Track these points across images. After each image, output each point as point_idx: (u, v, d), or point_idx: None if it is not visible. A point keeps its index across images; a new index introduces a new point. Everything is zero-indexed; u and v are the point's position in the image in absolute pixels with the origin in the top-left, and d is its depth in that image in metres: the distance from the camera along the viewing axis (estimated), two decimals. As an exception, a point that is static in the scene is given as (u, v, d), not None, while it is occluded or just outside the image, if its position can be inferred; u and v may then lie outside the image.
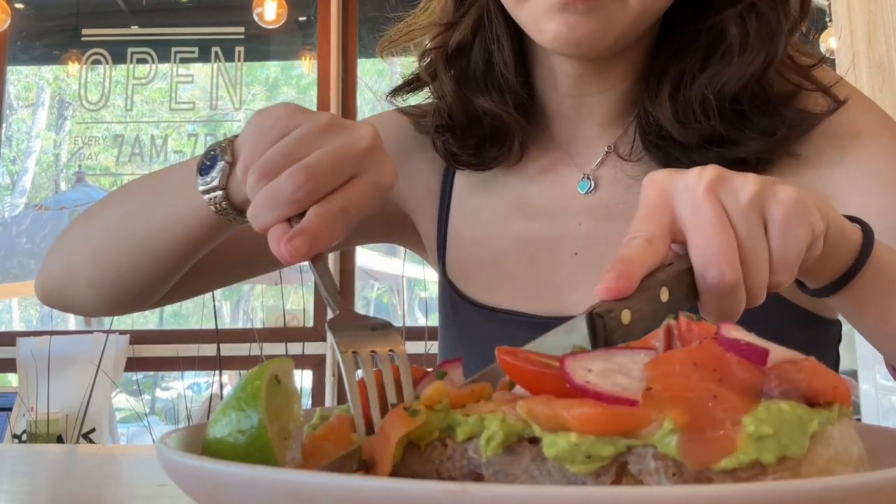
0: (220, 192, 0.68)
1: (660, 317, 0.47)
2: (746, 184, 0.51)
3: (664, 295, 0.48)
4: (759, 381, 0.40)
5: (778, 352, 0.42)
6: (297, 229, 0.56)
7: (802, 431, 0.37)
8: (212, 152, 0.68)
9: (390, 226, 1.00)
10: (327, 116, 0.61)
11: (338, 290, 0.56)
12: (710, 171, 0.51)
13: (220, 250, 0.83)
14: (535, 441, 0.41)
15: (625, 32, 0.77)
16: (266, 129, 0.60)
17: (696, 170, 0.52)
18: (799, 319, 0.82)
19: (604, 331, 0.46)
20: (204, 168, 0.68)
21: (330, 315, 0.55)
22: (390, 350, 0.51)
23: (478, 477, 0.42)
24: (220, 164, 0.67)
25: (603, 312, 0.46)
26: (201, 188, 0.68)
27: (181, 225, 0.74)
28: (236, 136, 0.68)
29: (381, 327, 0.53)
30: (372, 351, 0.51)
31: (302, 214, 0.57)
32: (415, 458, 0.44)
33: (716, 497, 0.32)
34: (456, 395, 0.44)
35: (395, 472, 0.43)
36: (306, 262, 0.57)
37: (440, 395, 0.44)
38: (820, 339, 0.87)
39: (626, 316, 0.46)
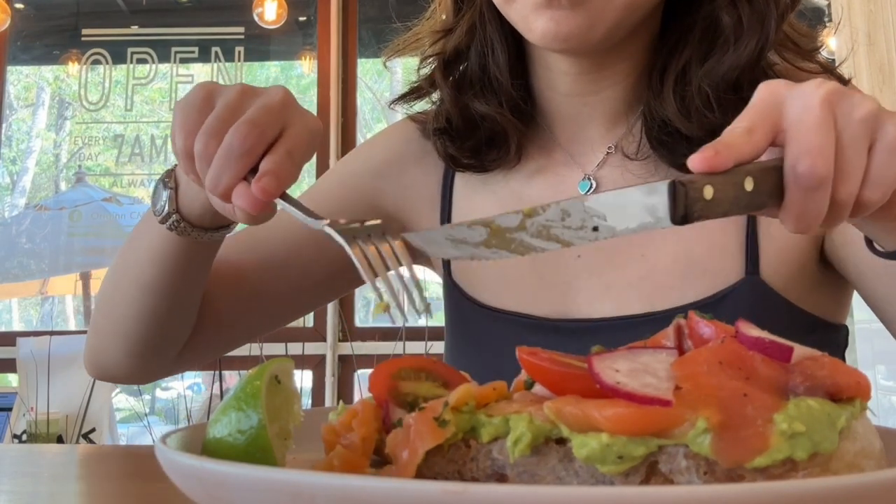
0: (174, 216, 0.75)
1: (742, 205, 0.47)
2: (865, 101, 0.51)
3: (749, 184, 0.48)
4: (785, 378, 0.40)
5: (797, 349, 0.42)
6: (261, 172, 0.60)
7: (832, 427, 0.38)
8: (157, 186, 0.76)
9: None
10: (239, 86, 0.65)
11: (310, 209, 0.61)
12: (830, 84, 0.51)
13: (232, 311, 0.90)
14: (561, 442, 0.41)
15: (613, 25, 0.77)
16: (194, 107, 0.64)
17: (816, 80, 0.52)
18: (808, 325, 0.82)
19: (685, 199, 0.45)
20: (155, 201, 0.75)
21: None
22: (384, 232, 0.58)
23: (501, 478, 0.42)
24: (167, 192, 0.74)
25: (686, 182, 0.45)
26: (159, 219, 0.75)
27: (158, 257, 0.80)
28: (175, 167, 0.74)
29: (372, 224, 0.59)
30: (369, 235, 0.57)
31: (254, 173, 0.61)
32: (438, 459, 0.44)
33: (763, 493, 0.32)
34: (479, 393, 0.45)
35: (418, 473, 0.43)
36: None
37: (467, 397, 0.44)
38: (828, 345, 0.87)
39: (708, 191, 0.46)
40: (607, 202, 0.47)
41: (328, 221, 0.58)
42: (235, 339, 0.97)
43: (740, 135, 0.49)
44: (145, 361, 0.90)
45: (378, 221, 0.59)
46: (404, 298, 0.56)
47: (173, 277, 0.81)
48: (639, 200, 0.46)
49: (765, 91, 0.52)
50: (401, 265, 0.57)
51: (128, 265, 0.85)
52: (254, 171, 0.61)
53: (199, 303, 0.88)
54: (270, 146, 0.62)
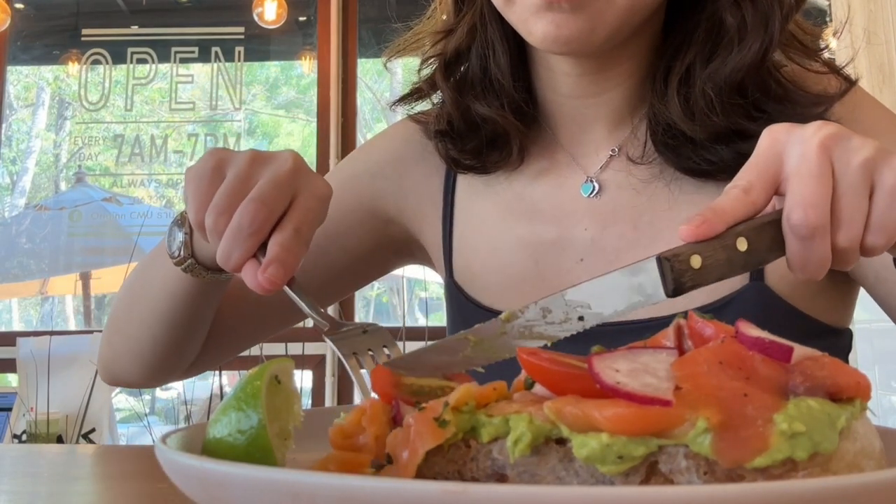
0: (190, 260, 0.76)
1: (738, 265, 0.48)
2: (864, 147, 0.51)
3: (742, 244, 0.48)
4: (785, 378, 0.40)
5: (797, 349, 0.42)
6: (267, 261, 0.62)
7: (832, 428, 0.38)
8: (172, 228, 0.77)
9: (399, 253, 1.00)
10: (251, 153, 0.66)
11: (318, 307, 0.63)
12: (829, 127, 0.51)
13: (239, 315, 0.92)
14: (561, 442, 0.41)
15: (615, 28, 0.76)
16: (204, 178, 0.65)
17: (816, 123, 0.52)
18: (813, 330, 0.81)
19: (671, 273, 0.46)
20: (170, 244, 0.77)
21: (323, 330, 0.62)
22: (384, 346, 0.60)
23: (501, 478, 0.42)
24: (181, 236, 0.76)
25: (670, 256, 0.46)
26: (174, 261, 0.77)
27: (173, 292, 0.82)
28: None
29: (370, 328, 0.61)
30: (369, 349, 0.59)
31: (264, 249, 0.62)
32: (438, 458, 0.44)
33: (763, 493, 0.32)
34: (479, 393, 0.45)
35: (418, 473, 0.43)
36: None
37: (468, 397, 0.44)
38: (832, 349, 0.86)
39: (695, 261, 0.46)
40: (589, 291, 0.48)
41: (328, 326, 0.61)
42: (242, 344, 0.99)
43: (735, 196, 0.49)
44: (158, 373, 0.93)
45: (375, 326, 0.62)
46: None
47: (188, 310, 0.83)
48: (623, 283, 0.47)
49: (766, 141, 0.53)
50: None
51: (142, 294, 0.87)
52: (265, 245, 0.63)
53: (210, 323, 0.90)
54: (281, 218, 0.63)
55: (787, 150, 0.51)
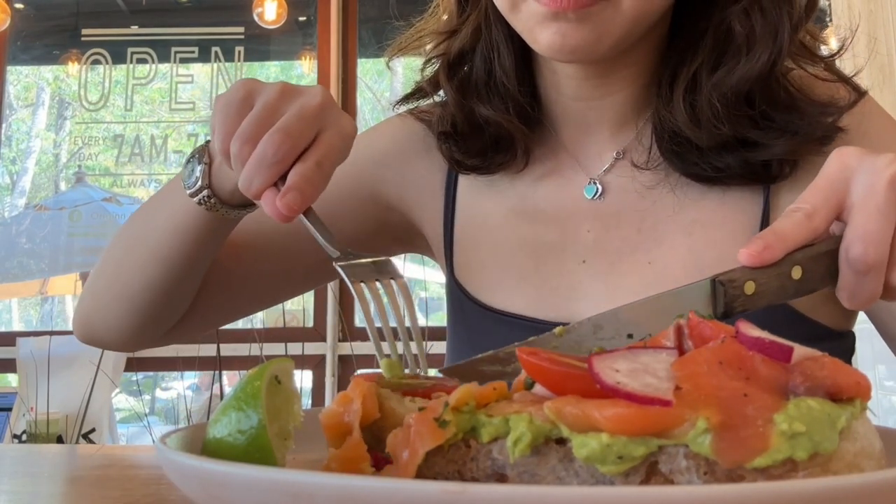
0: (206, 191, 0.75)
1: (789, 293, 0.48)
2: None
3: (796, 273, 0.48)
4: (785, 378, 0.40)
5: (797, 349, 0.42)
6: (286, 187, 0.63)
7: (832, 428, 0.38)
8: (190, 159, 0.76)
9: (399, 240, 1.00)
10: (280, 84, 0.67)
11: (333, 235, 0.64)
12: None
13: (239, 282, 0.91)
14: (561, 442, 0.41)
15: (621, 37, 0.75)
16: (232, 103, 0.66)
17: (889, 156, 0.52)
18: (815, 334, 0.80)
19: (724, 297, 0.46)
20: (187, 175, 0.76)
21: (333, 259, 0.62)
22: (391, 278, 0.61)
23: (501, 478, 0.42)
24: (200, 167, 0.75)
25: (725, 280, 0.46)
26: (189, 192, 0.76)
27: (180, 229, 0.80)
28: (208, 142, 0.75)
29: (379, 261, 0.62)
30: (376, 279, 0.60)
31: (284, 179, 0.63)
32: (438, 458, 0.44)
33: (763, 493, 0.32)
34: (479, 393, 0.45)
35: (418, 473, 0.43)
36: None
37: (468, 397, 0.44)
38: (836, 352, 0.86)
39: (749, 287, 0.47)
40: (642, 310, 0.48)
41: (339, 254, 0.62)
42: (227, 313, 0.97)
43: (797, 220, 0.49)
44: (140, 330, 0.90)
45: (385, 258, 0.62)
46: (404, 351, 0.60)
47: (191, 249, 0.82)
48: (675, 304, 0.47)
49: (835, 165, 0.52)
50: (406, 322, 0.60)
51: (145, 233, 0.85)
52: (286, 176, 0.64)
53: (203, 274, 0.88)
54: (304, 151, 0.64)
55: (856, 178, 0.51)
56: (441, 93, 0.92)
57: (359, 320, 3.73)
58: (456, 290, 0.92)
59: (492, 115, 0.86)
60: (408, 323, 0.61)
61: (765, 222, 0.80)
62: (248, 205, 0.77)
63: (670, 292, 0.48)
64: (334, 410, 0.47)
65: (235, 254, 0.91)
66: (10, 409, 3.35)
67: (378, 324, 0.59)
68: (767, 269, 0.47)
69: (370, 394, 0.48)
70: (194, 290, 0.89)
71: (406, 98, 0.95)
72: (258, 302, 0.99)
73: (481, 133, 0.88)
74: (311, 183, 0.63)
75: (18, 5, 4.23)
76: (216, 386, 3.17)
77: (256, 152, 0.63)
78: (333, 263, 0.61)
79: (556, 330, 0.52)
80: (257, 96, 0.66)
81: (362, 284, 0.60)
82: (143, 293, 0.86)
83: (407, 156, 0.96)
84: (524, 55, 0.87)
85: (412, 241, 1.00)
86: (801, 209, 0.50)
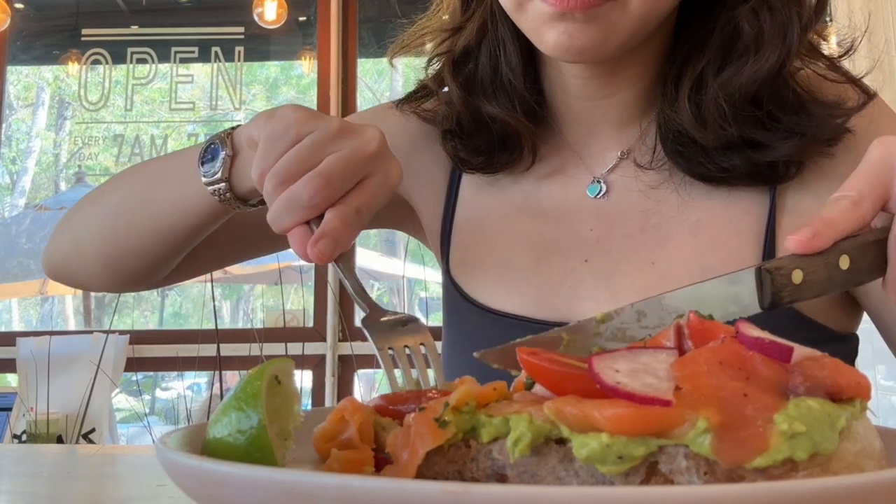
0: (223, 184, 0.73)
1: (836, 283, 0.47)
2: None
3: (844, 262, 0.47)
4: (785, 378, 0.40)
5: (797, 349, 0.42)
6: (319, 233, 0.60)
7: (832, 428, 0.38)
8: (212, 144, 0.73)
9: (397, 216, 0.99)
10: (337, 122, 0.64)
11: (364, 289, 0.62)
12: None
13: (223, 231, 0.86)
14: (562, 442, 0.41)
15: (628, 38, 0.75)
16: (279, 135, 0.63)
17: None
18: (819, 337, 0.80)
19: (771, 286, 0.45)
20: (205, 160, 0.73)
21: (360, 314, 0.62)
22: (421, 343, 0.59)
23: (501, 478, 0.42)
24: (222, 157, 0.72)
25: (772, 268, 0.45)
26: (205, 180, 0.73)
27: (185, 210, 0.78)
28: (234, 128, 0.72)
29: (410, 322, 0.60)
30: (405, 345, 0.58)
31: (320, 216, 0.61)
32: (438, 458, 0.44)
33: (763, 493, 0.33)
34: (479, 393, 0.45)
35: (418, 473, 0.43)
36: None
37: (468, 397, 0.44)
38: (839, 354, 0.85)
39: (797, 276, 0.46)
40: (686, 297, 0.47)
41: (368, 313, 0.60)
42: (215, 263, 0.96)
43: (844, 207, 0.48)
44: (121, 282, 0.89)
45: (413, 317, 0.60)
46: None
47: (193, 230, 0.80)
48: (720, 291, 0.46)
49: (878, 152, 0.51)
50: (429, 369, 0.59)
51: (145, 202, 0.83)
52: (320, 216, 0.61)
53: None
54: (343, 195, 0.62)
55: None
56: (442, 91, 0.92)
57: (358, 321, 3.73)
58: (451, 290, 0.91)
59: (498, 112, 0.85)
60: (433, 381, 0.59)
61: (770, 223, 0.79)
62: (264, 203, 0.75)
63: (713, 280, 0.47)
64: (327, 431, 0.48)
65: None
66: (9, 410, 3.35)
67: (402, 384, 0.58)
68: (815, 257, 0.46)
69: (367, 422, 0.47)
70: (179, 258, 0.88)
71: (410, 96, 0.94)
72: (245, 255, 0.98)
73: (487, 131, 0.87)
74: (348, 229, 0.61)
75: (18, 5, 4.23)
76: (216, 386, 3.17)
77: (292, 191, 0.61)
78: (360, 323, 0.60)
79: (598, 316, 0.51)
80: (308, 129, 0.63)
81: (390, 349, 0.58)
82: (132, 257, 0.85)
83: (414, 143, 0.95)
84: (529, 53, 0.86)
85: (411, 221, 1.00)
86: (846, 196, 0.49)
